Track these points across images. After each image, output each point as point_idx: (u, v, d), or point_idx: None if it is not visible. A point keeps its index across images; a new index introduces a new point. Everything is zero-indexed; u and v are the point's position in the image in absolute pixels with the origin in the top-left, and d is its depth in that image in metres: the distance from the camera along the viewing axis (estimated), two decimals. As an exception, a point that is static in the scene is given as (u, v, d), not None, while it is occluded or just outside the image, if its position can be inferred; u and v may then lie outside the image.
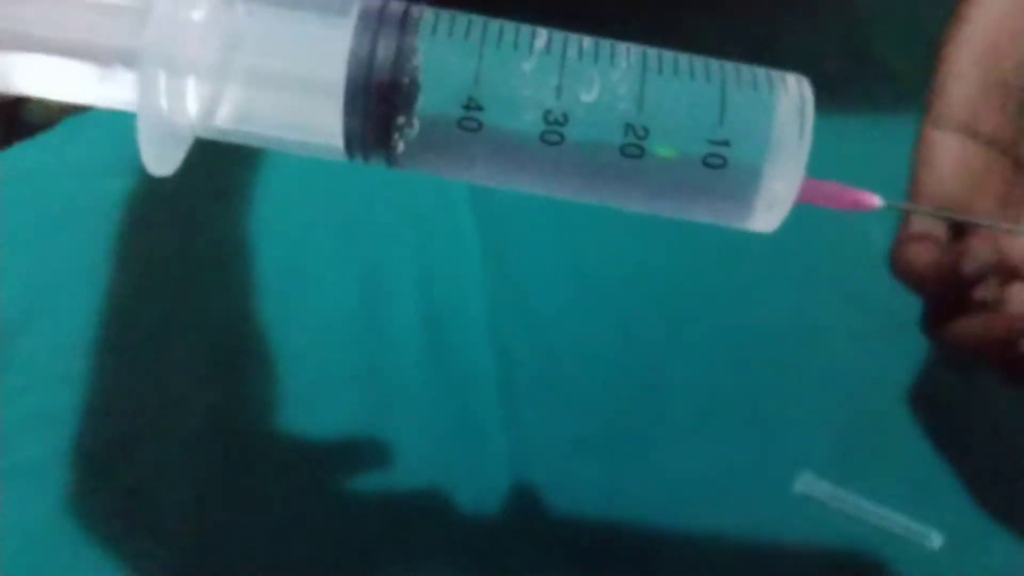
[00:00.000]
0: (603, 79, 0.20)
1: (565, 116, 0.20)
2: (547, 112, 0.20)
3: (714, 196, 0.21)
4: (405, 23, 0.20)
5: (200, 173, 0.39)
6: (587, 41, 0.21)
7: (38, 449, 0.33)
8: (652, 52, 0.21)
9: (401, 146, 0.20)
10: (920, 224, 0.29)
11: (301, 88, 0.20)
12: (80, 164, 0.40)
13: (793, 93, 0.21)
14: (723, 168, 0.20)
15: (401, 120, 0.20)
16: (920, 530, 0.34)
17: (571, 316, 0.38)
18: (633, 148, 0.20)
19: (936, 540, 0.34)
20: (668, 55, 0.21)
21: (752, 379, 0.37)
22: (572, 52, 0.20)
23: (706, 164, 0.20)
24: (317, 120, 0.20)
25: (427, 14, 0.21)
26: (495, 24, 0.21)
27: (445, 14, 0.21)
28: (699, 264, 0.41)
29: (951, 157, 0.29)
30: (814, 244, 0.41)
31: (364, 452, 0.35)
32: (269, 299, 0.38)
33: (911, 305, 0.36)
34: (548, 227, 0.41)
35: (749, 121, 0.20)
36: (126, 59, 0.19)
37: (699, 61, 0.21)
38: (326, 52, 0.20)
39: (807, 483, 0.35)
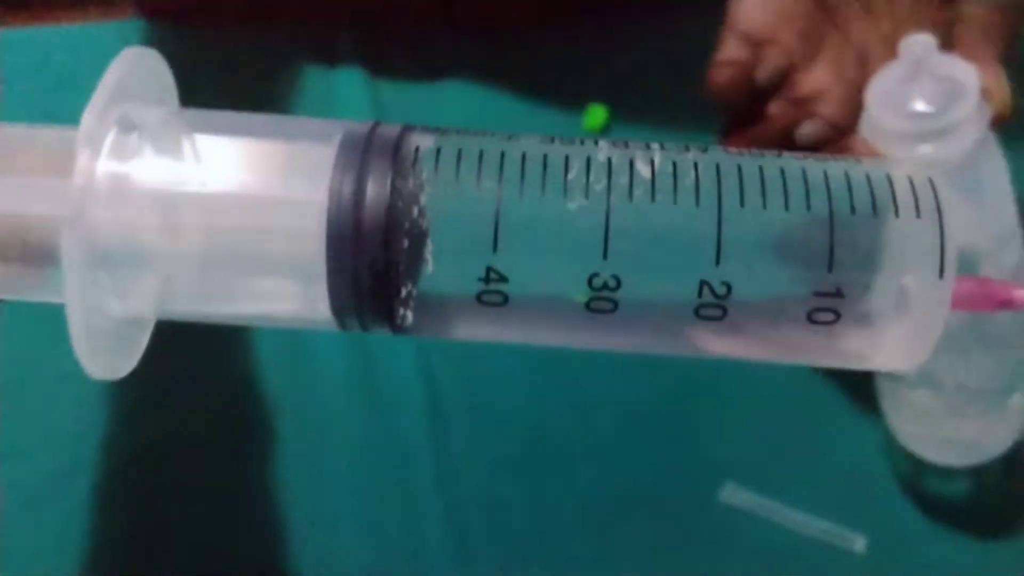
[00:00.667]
0: (666, 219, 0.15)
1: (617, 280, 0.15)
2: (592, 276, 0.15)
3: (828, 353, 0.16)
4: (400, 156, 0.15)
5: None
6: (640, 161, 0.16)
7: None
8: (729, 164, 0.16)
9: (410, 318, 0.16)
10: (728, 51, 0.35)
11: (272, 252, 0.15)
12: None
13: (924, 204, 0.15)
14: (835, 324, 0.15)
15: (405, 292, 0.15)
16: (844, 534, 0.34)
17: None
18: (713, 310, 0.15)
19: (860, 544, 0.34)
20: (752, 167, 0.16)
21: (671, 389, 0.38)
22: (621, 181, 0.15)
23: (812, 321, 0.15)
24: (297, 292, 0.16)
25: (431, 141, 0.16)
26: (516, 148, 0.16)
27: (452, 138, 0.16)
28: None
29: None
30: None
31: (294, 476, 0.35)
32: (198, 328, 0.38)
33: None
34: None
35: (865, 258, 0.15)
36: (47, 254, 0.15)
37: (792, 172, 0.16)
38: (299, 203, 0.15)
39: (731, 493, 0.35)
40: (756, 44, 0.35)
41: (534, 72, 0.47)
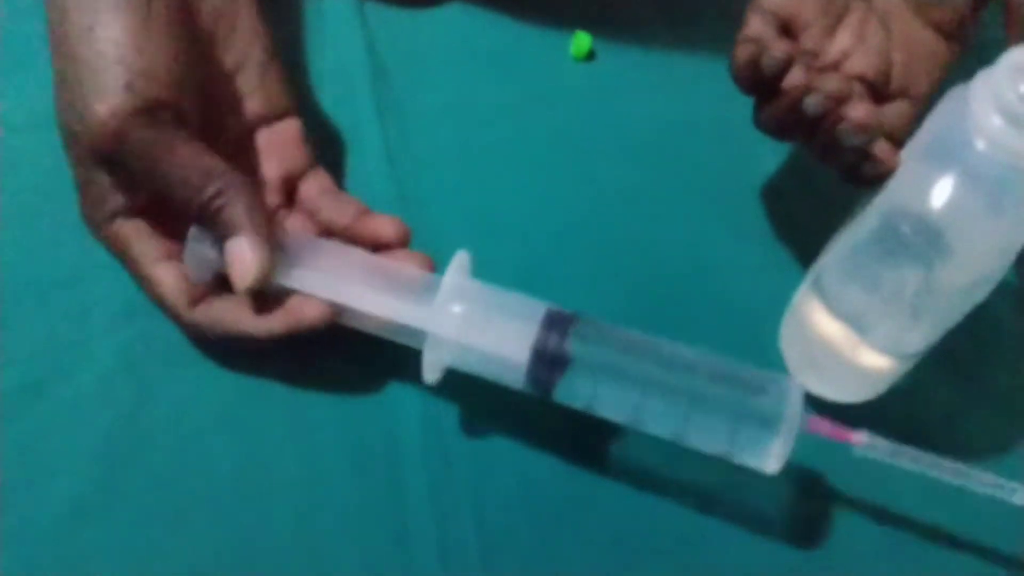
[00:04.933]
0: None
1: None
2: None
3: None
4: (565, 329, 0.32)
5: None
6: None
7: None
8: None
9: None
10: (751, 29, 0.35)
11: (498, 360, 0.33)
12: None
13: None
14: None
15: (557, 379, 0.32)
16: (1003, 484, 0.31)
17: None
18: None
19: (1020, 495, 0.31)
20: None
21: (652, 315, 0.38)
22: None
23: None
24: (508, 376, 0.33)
25: (580, 325, 0.32)
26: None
27: (594, 330, 0.33)
28: (598, 203, 0.43)
29: None
30: (704, 180, 0.44)
31: (273, 391, 0.36)
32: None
33: (807, 239, 0.38)
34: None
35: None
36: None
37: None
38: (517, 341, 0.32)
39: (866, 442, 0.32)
40: (780, 21, 0.35)
41: (519, 2, 0.48)
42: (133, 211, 0.33)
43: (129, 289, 0.37)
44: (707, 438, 0.32)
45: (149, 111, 0.31)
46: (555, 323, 0.32)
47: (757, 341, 0.39)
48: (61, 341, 0.35)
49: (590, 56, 0.47)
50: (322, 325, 0.32)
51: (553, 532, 0.35)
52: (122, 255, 0.33)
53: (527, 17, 0.48)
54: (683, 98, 0.46)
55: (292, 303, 0.33)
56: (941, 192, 0.30)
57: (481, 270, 0.35)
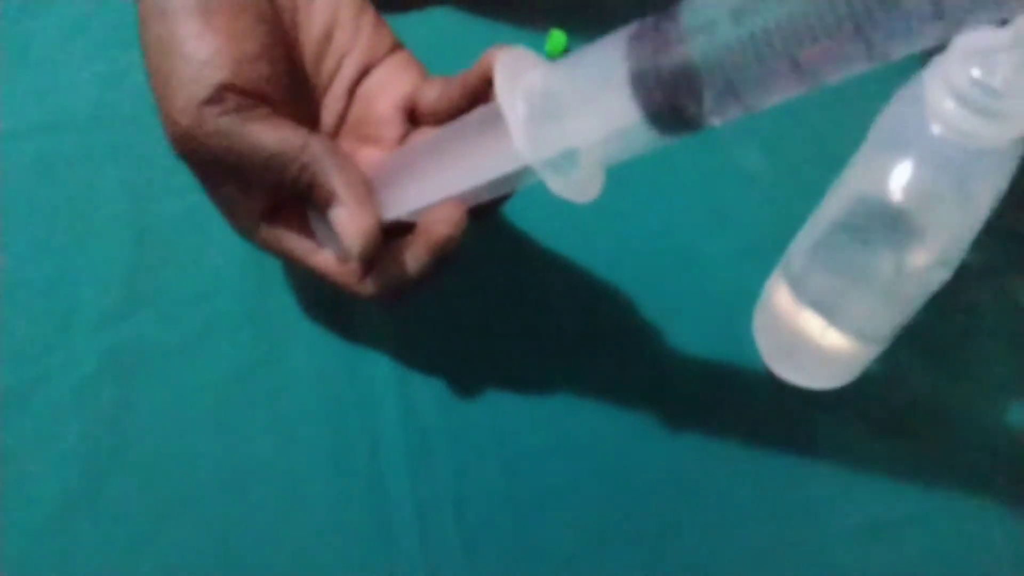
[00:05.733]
0: None
1: None
2: None
3: None
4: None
5: (99, 136, 0.41)
6: None
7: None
8: None
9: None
10: None
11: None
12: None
13: None
14: None
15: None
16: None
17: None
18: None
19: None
20: None
21: (629, 304, 0.40)
22: None
23: None
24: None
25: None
26: None
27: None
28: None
29: None
30: (682, 169, 0.44)
31: (255, 392, 0.37)
32: (166, 246, 0.39)
33: (783, 228, 0.39)
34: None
35: None
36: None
37: None
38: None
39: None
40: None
41: (497, 3, 0.48)
42: (271, 212, 0.32)
43: (112, 292, 0.37)
44: None
45: (217, 99, 0.29)
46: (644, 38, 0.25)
47: (732, 328, 0.39)
48: (45, 345, 0.36)
49: (566, 52, 0.47)
50: (457, 231, 0.30)
51: (533, 523, 0.35)
52: (285, 256, 0.33)
53: (504, 17, 0.48)
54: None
55: (422, 228, 0.31)
56: (902, 177, 0.30)
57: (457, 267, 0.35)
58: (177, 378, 0.36)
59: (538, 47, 0.47)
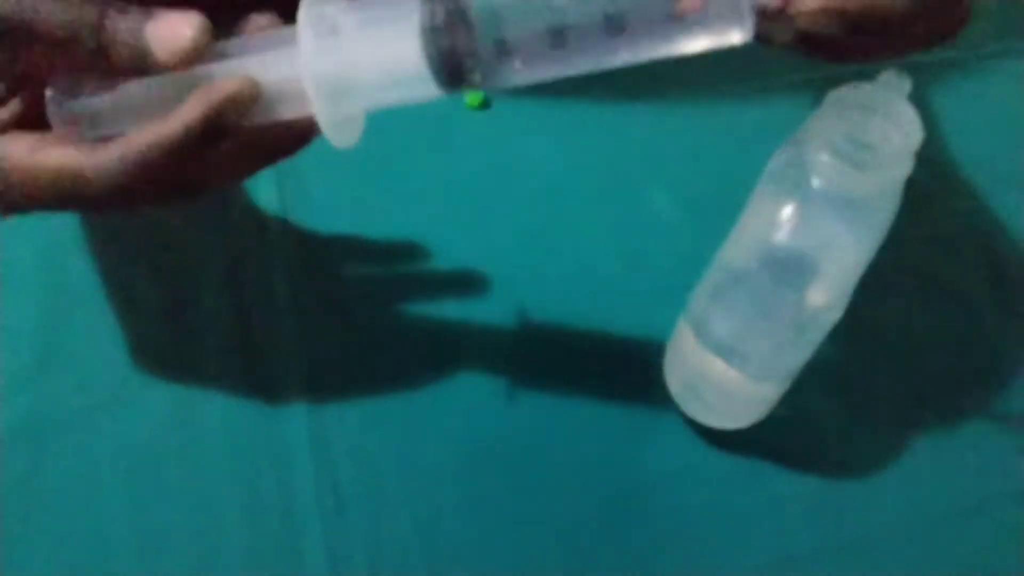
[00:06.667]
0: None
1: None
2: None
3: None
4: None
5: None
6: None
7: None
8: None
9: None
10: None
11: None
12: None
13: None
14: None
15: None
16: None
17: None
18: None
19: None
20: None
21: (542, 347, 0.41)
22: None
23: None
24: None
25: None
26: None
27: None
28: (495, 242, 0.44)
29: None
30: (596, 215, 0.45)
31: (167, 454, 0.37)
32: (77, 308, 0.39)
33: (695, 269, 0.40)
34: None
35: None
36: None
37: None
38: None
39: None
40: None
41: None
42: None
43: (23, 356, 0.37)
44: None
45: None
46: None
47: (645, 369, 0.40)
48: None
49: (485, 105, 0.49)
50: (245, 91, 0.27)
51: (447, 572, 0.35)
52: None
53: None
54: (574, 140, 0.48)
55: (202, 89, 0.27)
56: (790, 223, 0.32)
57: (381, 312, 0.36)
58: (88, 443, 0.36)
59: (456, 99, 0.48)
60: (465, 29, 0.26)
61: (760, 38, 0.32)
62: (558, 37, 0.26)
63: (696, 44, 0.27)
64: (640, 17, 0.26)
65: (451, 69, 0.27)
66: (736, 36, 0.27)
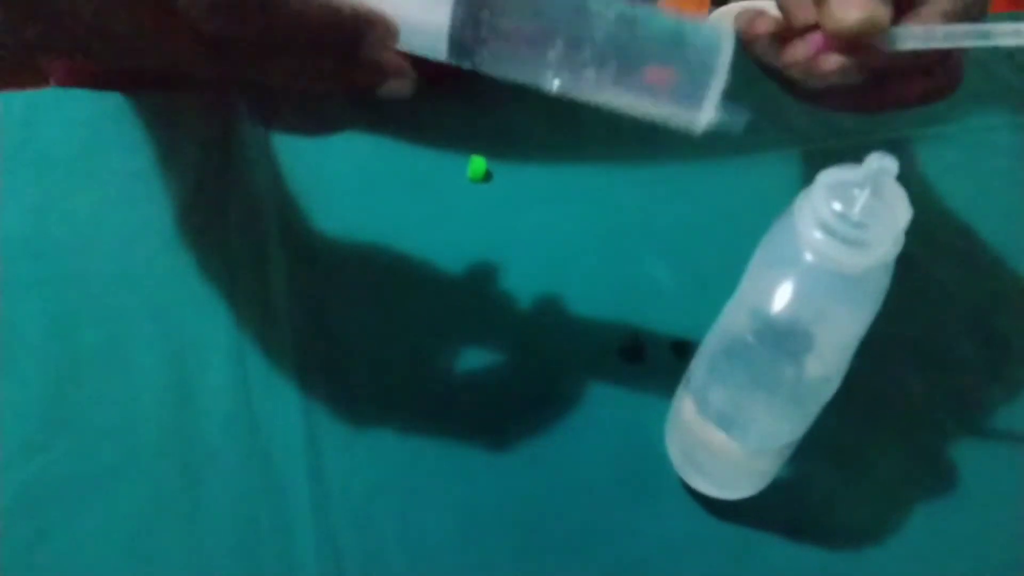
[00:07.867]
0: None
1: None
2: None
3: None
4: None
5: (24, 265, 0.42)
6: None
7: None
8: None
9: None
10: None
11: None
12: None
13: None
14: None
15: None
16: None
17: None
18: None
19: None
20: None
21: (540, 413, 0.41)
22: None
23: None
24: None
25: None
26: None
27: None
28: (498, 310, 0.45)
29: None
30: (594, 283, 0.46)
31: (170, 523, 0.37)
32: (84, 376, 0.40)
33: (689, 338, 0.41)
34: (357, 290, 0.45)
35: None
36: None
37: None
38: None
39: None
40: None
41: (417, 130, 0.51)
42: None
43: (29, 423, 0.38)
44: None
45: None
46: None
47: (645, 439, 0.40)
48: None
49: (487, 177, 0.50)
50: None
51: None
52: None
53: (424, 142, 0.51)
54: (574, 209, 0.49)
55: None
56: (784, 297, 0.33)
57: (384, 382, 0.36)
58: (93, 510, 0.36)
59: (460, 171, 0.50)
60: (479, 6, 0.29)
61: (788, 84, 0.37)
62: (549, 42, 0.29)
63: (657, 111, 0.31)
64: (619, 63, 0.30)
65: (463, 42, 0.30)
66: (697, 122, 0.31)
